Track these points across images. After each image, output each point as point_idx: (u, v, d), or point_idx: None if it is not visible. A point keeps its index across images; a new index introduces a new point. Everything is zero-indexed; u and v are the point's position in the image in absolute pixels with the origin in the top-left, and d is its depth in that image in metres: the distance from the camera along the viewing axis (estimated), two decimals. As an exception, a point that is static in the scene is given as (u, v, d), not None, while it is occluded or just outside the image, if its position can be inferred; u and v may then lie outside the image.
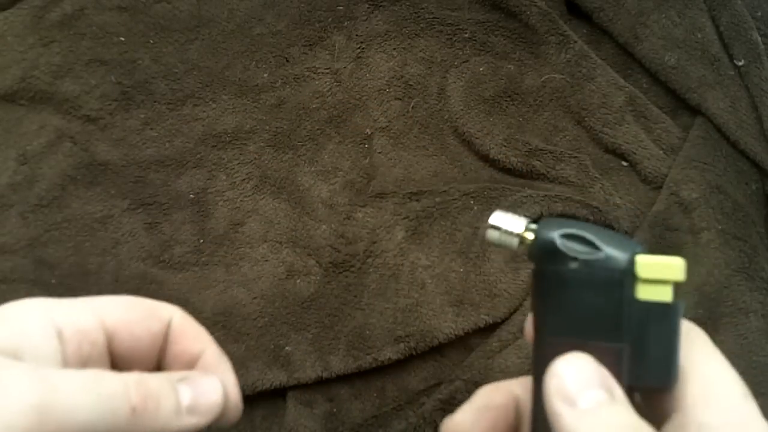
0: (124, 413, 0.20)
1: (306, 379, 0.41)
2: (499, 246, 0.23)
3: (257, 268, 0.44)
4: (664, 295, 0.21)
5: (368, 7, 0.50)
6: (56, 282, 0.42)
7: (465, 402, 0.25)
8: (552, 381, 0.20)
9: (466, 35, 0.50)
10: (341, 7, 0.50)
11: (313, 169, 0.47)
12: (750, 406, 0.21)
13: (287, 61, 0.49)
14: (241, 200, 0.45)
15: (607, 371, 0.21)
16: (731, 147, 0.46)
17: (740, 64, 0.46)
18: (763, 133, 0.45)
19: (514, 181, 0.47)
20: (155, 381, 0.22)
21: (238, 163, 0.46)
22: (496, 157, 0.46)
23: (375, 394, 0.42)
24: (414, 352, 0.42)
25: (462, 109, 0.48)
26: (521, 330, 0.42)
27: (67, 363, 0.22)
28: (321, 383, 0.41)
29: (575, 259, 0.21)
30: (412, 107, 0.48)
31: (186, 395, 0.23)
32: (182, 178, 0.46)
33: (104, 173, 0.46)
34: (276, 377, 0.41)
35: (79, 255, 0.43)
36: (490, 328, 0.42)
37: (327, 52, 0.49)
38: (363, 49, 0.49)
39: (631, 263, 0.21)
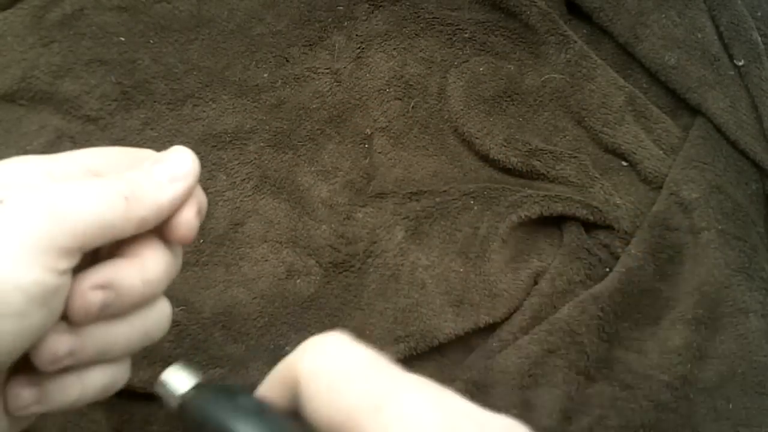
0: (120, 203, 0.24)
1: (306, 379, 0.41)
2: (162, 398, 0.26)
3: (257, 268, 0.44)
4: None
5: (368, 7, 0.50)
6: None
7: None
8: None
9: (466, 35, 0.50)
10: (341, 7, 0.50)
11: (313, 169, 0.47)
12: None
13: (287, 61, 0.49)
14: (241, 200, 0.45)
15: None
16: (731, 147, 0.46)
17: (740, 64, 0.46)
18: (763, 133, 0.45)
19: (514, 181, 0.47)
20: (134, 173, 0.25)
21: (238, 163, 0.46)
22: (496, 157, 0.46)
23: (375, 394, 0.42)
24: (414, 352, 0.41)
25: (462, 109, 0.48)
26: (521, 329, 0.42)
27: None
28: (321, 383, 0.41)
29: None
30: (412, 107, 0.48)
31: (162, 170, 0.26)
32: (182, 178, 0.46)
33: (104, 173, 0.46)
34: (276, 377, 0.41)
35: (79, 255, 0.43)
36: (490, 328, 0.42)
37: (327, 52, 0.49)
38: (363, 49, 0.49)
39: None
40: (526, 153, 0.46)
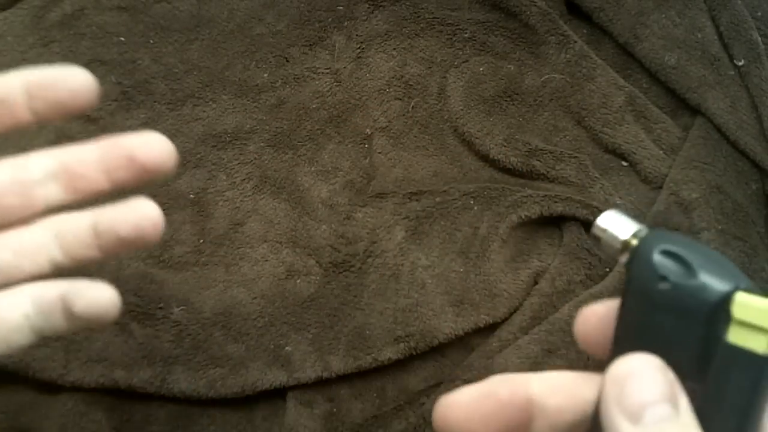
0: None
1: (306, 379, 0.41)
2: (601, 248, 0.22)
3: (257, 268, 0.44)
4: (757, 343, 0.18)
5: (368, 7, 0.50)
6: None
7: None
8: (613, 389, 0.18)
9: (466, 35, 0.50)
10: (341, 7, 0.50)
11: (313, 169, 0.47)
12: None
13: (287, 61, 0.49)
14: (241, 200, 0.45)
15: (672, 374, 0.19)
16: (731, 147, 0.46)
17: (740, 64, 0.46)
18: (763, 133, 0.45)
19: (514, 181, 0.47)
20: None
21: (238, 163, 0.46)
22: (496, 157, 0.46)
23: (375, 394, 0.42)
24: (414, 352, 0.41)
25: (462, 109, 0.48)
26: (521, 329, 0.42)
27: None
28: (321, 383, 0.41)
29: (665, 279, 0.19)
30: (412, 107, 0.48)
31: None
32: (182, 178, 0.46)
33: (104, 173, 0.46)
34: (276, 377, 0.41)
35: (79, 255, 0.43)
36: (490, 328, 0.42)
37: (327, 52, 0.49)
38: (363, 49, 0.49)
39: (728, 300, 0.19)
40: (526, 153, 0.46)
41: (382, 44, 0.49)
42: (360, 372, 0.41)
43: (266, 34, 0.49)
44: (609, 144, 0.47)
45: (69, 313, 0.24)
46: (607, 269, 0.43)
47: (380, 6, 0.50)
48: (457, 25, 0.50)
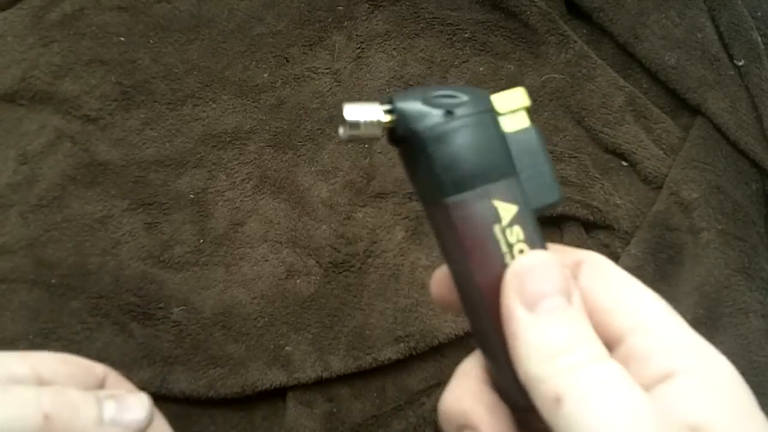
0: (35, 421, 0.20)
1: (306, 379, 0.41)
2: (358, 140, 0.23)
3: (257, 268, 0.44)
4: (522, 122, 0.23)
5: (368, 7, 0.50)
6: (56, 282, 0.42)
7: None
8: (514, 280, 0.20)
9: (466, 35, 0.50)
10: (341, 7, 0.50)
11: (313, 169, 0.47)
12: (678, 322, 0.21)
13: (287, 61, 0.49)
14: (241, 200, 0.45)
15: (567, 271, 0.21)
16: (731, 147, 0.46)
17: (740, 64, 0.46)
18: (763, 133, 0.45)
19: (514, 181, 0.47)
20: (76, 392, 0.22)
21: (238, 163, 0.46)
22: (496, 157, 0.46)
23: (375, 394, 0.42)
24: (414, 352, 0.42)
25: (462, 109, 0.48)
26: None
27: None
28: (321, 383, 0.41)
29: (449, 113, 0.21)
30: (412, 107, 0.48)
31: (110, 408, 0.23)
32: (182, 178, 0.46)
33: (104, 173, 0.46)
34: (276, 377, 0.41)
35: (79, 255, 0.43)
36: (490, 328, 0.42)
37: (327, 52, 0.49)
38: (363, 49, 0.49)
39: (491, 102, 0.22)
40: (526, 153, 0.46)
41: (382, 44, 0.49)
42: (360, 372, 0.41)
43: (266, 34, 0.49)
44: (609, 144, 0.47)
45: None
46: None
47: (380, 6, 0.50)
48: (457, 25, 0.50)
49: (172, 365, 0.41)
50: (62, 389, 0.22)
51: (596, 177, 0.46)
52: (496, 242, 0.21)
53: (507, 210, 0.21)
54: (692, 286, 0.42)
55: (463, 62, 0.49)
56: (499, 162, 0.22)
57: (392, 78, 0.49)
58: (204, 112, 0.47)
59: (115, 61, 0.48)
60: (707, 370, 0.19)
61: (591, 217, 0.44)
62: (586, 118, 0.47)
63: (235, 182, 0.46)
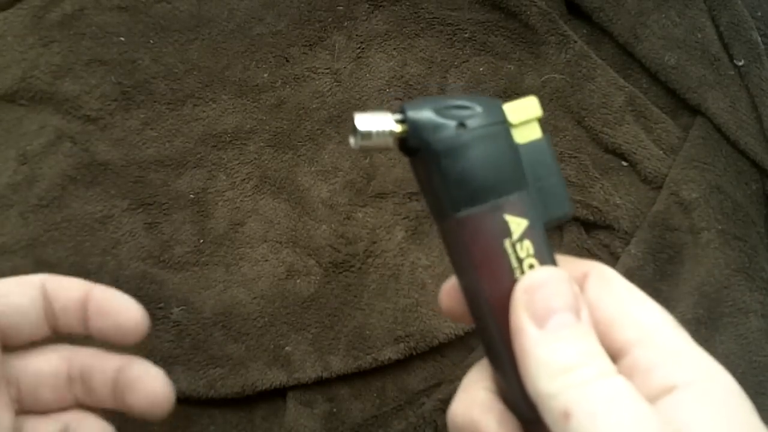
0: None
1: (306, 379, 0.41)
2: (370, 150, 0.23)
3: (257, 268, 0.44)
4: (534, 133, 0.22)
5: (368, 7, 0.50)
6: (56, 282, 0.42)
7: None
8: (524, 296, 0.20)
9: (466, 35, 0.50)
10: (341, 7, 0.50)
11: (313, 169, 0.47)
12: (681, 336, 0.21)
13: (287, 61, 0.49)
14: (241, 200, 0.45)
15: (577, 287, 0.21)
16: (731, 147, 0.46)
17: (740, 64, 0.46)
18: (763, 133, 0.45)
19: (514, 181, 0.47)
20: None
21: (238, 163, 0.46)
22: (496, 157, 0.46)
23: (375, 394, 0.42)
24: (414, 352, 0.42)
25: (462, 109, 0.48)
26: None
27: None
28: (321, 383, 0.41)
29: (462, 124, 0.21)
30: (412, 107, 0.48)
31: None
32: (182, 178, 0.46)
33: (104, 173, 0.46)
34: (276, 377, 0.41)
35: (79, 255, 0.43)
36: (490, 328, 0.42)
37: (327, 52, 0.49)
38: (363, 49, 0.49)
39: (503, 113, 0.22)
40: (526, 153, 0.46)
41: (382, 44, 0.49)
42: (360, 372, 0.41)
43: (266, 34, 0.49)
44: (609, 144, 0.47)
45: (120, 397, 0.27)
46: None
47: (380, 6, 0.50)
48: (457, 25, 0.50)
49: (172, 365, 0.41)
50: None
51: (596, 177, 0.46)
52: (507, 257, 0.21)
53: (518, 224, 0.21)
54: (692, 286, 0.42)
55: (463, 62, 0.49)
56: (511, 175, 0.21)
57: (392, 78, 0.49)
58: (204, 112, 0.47)
59: (115, 61, 0.48)
60: (708, 384, 0.20)
61: (591, 217, 0.44)
62: (586, 118, 0.47)
63: (235, 182, 0.46)
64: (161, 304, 0.42)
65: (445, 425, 0.39)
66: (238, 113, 0.48)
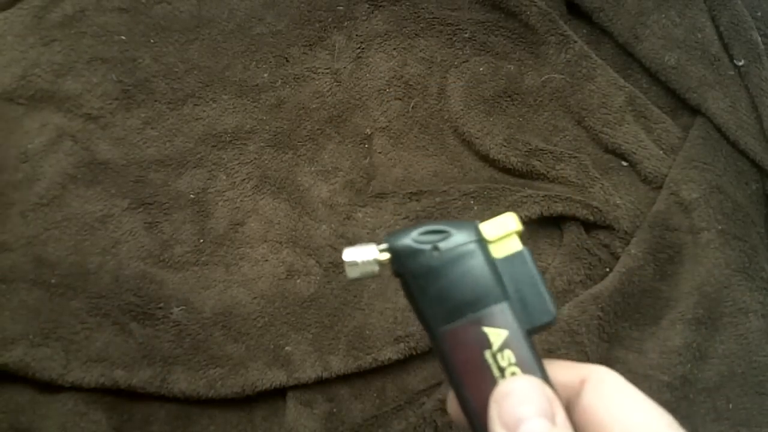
0: None
1: (306, 379, 0.41)
2: (361, 278, 0.25)
3: (257, 268, 0.44)
4: (514, 246, 0.24)
5: (368, 7, 0.50)
6: (56, 281, 0.42)
7: None
8: (494, 407, 0.21)
9: (466, 35, 0.50)
10: (341, 7, 0.50)
11: (313, 169, 0.47)
12: None
13: (287, 61, 0.49)
14: (241, 200, 0.45)
15: (552, 392, 0.21)
16: (731, 147, 0.46)
17: (740, 64, 0.46)
18: (763, 133, 0.45)
19: (514, 181, 0.47)
20: None
21: (238, 163, 0.46)
22: (496, 157, 0.46)
23: (375, 394, 0.42)
24: (414, 352, 0.41)
25: (462, 109, 0.48)
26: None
27: None
28: (321, 383, 0.41)
29: (435, 248, 0.23)
30: (412, 107, 0.48)
31: None
32: (182, 178, 0.46)
33: (105, 172, 0.46)
34: (276, 377, 0.41)
35: (79, 254, 0.43)
36: (490, 328, 0.42)
37: (327, 52, 0.49)
38: (363, 49, 0.49)
39: (479, 232, 0.23)
40: (526, 153, 0.46)
41: (382, 44, 0.49)
42: (360, 372, 0.41)
43: (266, 34, 0.49)
44: (609, 144, 0.47)
45: None
46: (607, 269, 0.44)
47: (380, 6, 0.50)
48: (457, 25, 0.50)
49: (172, 365, 0.41)
50: None
51: (596, 177, 0.46)
52: (488, 367, 0.22)
53: (497, 335, 0.22)
54: (692, 286, 0.42)
55: (463, 62, 0.49)
56: (487, 289, 0.23)
57: (392, 78, 0.49)
58: (204, 111, 0.48)
59: (116, 59, 0.48)
60: None
61: (591, 217, 0.44)
62: (586, 118, 0.47)
63: (235, 182, 0.46)
64: (161, 304, 0.42)
65: (445, 425, 0.39)
66: (238, 113, 0.48)
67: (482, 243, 0.23)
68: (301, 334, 0.42)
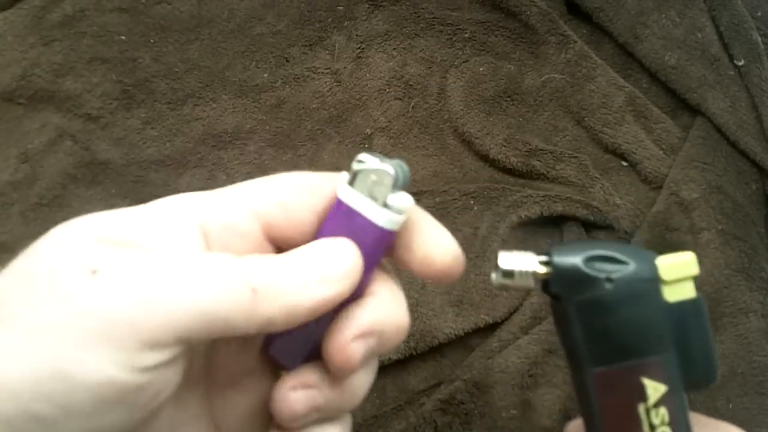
0: (245, 296, 0.18)
1: (306, 378, 0.41)
2: (510, 289, 0.22)
3: (257, 268, 0.44)
4: (688, 291, 0.21)
5: (368, 7, 0.50)
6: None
7: None
8: None
9: (466, 35, 0.50)
10: (341, 7, 0.50)
11: (313, 169, 0.46)
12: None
13: (287, 61, 0.49)
14: (241, 200, 0.45)
15: None
16: (731, 147, 0.46)
17: (740, 64, 0.46)
18: (763, 133, 0.45)
19: (514, 181, 0.47)
20: (275, 259, 0.20)
21: (238, 163, 0.46)
22: (496, 157, 0.46)
23: (375, 394, 0.42)
24: (414, 352, 0.41)
25: (462, 109, 0.48)
26: (521, 329, 0.42)
27: None
28: (321, 383, 0.41)
29: (609, 279, 0.20)
30: (412, 107, 0.48)
31: (312, 265, 0.20)
32: (182, 178, 0.46)
33: (105, 172, 0.46)
34: (276, 377, 0.41)
35: (79, 254, 0.43)
36: (490, 328, 0.42)
37: (327, 52, 0.49)
38: (363, 49, 0.49)
39: (656, 269, 0.20)
40: (526, 153, 0.46)
41: (382, 44, 0.49)
42: (360, 372, 0.41)
43: (266, 34, 0.49)
44: (609, 144, 0.47)
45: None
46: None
47: (380, 6, 0.50)
48: (457, 25, 0.50)
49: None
50: (263, 258, 0.20)
51: (596, 177, 0.46)
52: (639, 422, 0.20)
53: (655, 389, 0.20)
54: (692, 286, 0.42)
55: (463, 62, 0.49)
56: (654, 337, 0.20)
57: (392, 78, 0.49)
58: (204, 111, 0.48)
59: (116, 59, 0.48)
60: None
61: (591, 217, 0.44)
62: (586, 118, 0.47)
63: (235, 182, 0.46)
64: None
65: (445, 425, 0.39)
66: (238, 113, 0.48)
67: (658, 282, 0.20)
68: (301, 334, 0.42)
